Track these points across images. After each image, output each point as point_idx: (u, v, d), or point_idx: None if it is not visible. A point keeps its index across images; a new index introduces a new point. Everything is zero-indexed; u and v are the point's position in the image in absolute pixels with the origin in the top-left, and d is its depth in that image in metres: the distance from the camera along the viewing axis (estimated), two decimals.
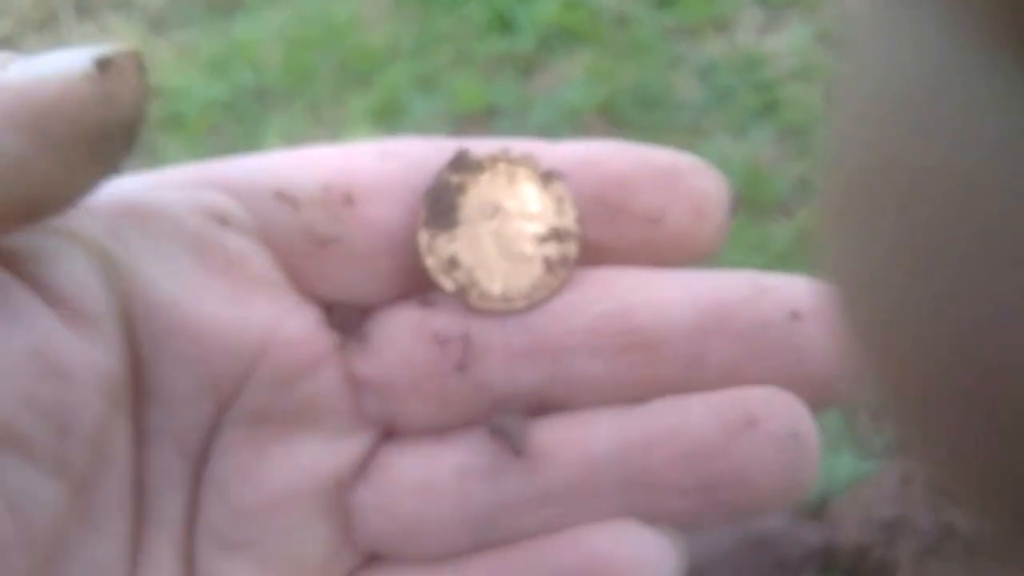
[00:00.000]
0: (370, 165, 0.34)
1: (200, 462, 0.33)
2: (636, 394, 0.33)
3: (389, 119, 1.65)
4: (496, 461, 0.33)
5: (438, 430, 0.34)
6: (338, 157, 0.34)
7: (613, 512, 0.32)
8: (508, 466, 0.33)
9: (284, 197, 0.33)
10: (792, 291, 0.32)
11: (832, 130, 0.16)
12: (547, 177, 0.34)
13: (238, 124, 1.68)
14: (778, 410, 0.31)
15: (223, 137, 1.66)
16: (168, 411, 0.32)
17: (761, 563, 1.23)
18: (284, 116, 1.68)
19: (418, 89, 1.69)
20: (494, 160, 0.34)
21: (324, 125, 1.67)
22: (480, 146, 0.34)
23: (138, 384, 0.32)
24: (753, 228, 1.51)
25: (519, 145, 0.34)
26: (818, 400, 0.32)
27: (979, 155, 0.13)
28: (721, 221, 0.34)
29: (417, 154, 0.34)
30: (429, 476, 0.34)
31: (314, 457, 0.33)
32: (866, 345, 0.16)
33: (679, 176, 0.33)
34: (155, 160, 1.62)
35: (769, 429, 0.31)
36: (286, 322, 0.33)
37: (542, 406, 0.33)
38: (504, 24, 1.78)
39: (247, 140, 1.64)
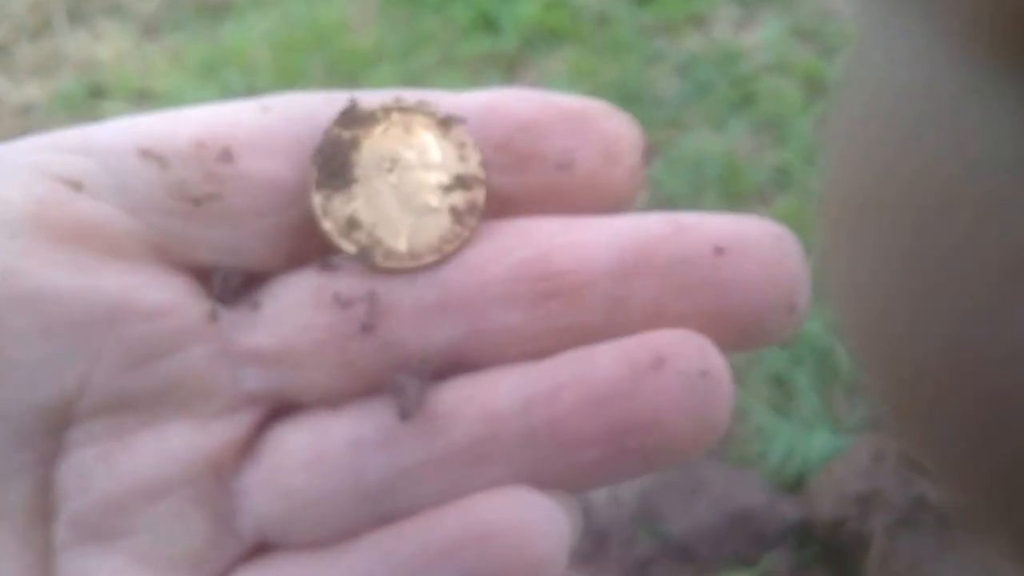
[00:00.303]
0: (250, 119, 0.31)
1: (52, 449, 0.30)
2: (557, 345, 0.31)
3: None
4: (391, 428, 0.31)
5: (334, 401, 0.32)
6: (214, 113, 0.31)
7: (516, 473, 0.30)
8: (404, 432, 0.31)
9: (150, 155, 0.30)
10: (715, 226, 0.30)
11: (831, 140, 0.17)
12: (446, 123, 0.32)
13: None
14: (687, 349, 0.29)
15: None
16: (3, 394, 0.29)
17: (740, 537, 1.24)
18: None
19: (405, 90, 1.69)
20: (387, 111, 0.32)
21: None
22: (371, 97, 0.32)
23: None
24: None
25: (413, 94, 0.32)
26: (747, 336, 0.31)
27: (971, 165, 0.14)
28: (634, 165, 0.32)
29: (302, 106, 0.32)
30: (320, 449, 0.31)
31: (186, 441, 0.31)
32: (860, 338, 0.16)
33: (588, 119, 0.31)
34: None
35: (677, 368, 0.29)
36: (144, 292, 0.30)
37: (457, 365, 0.31)
38: (488, 24, 1.79)
39: None
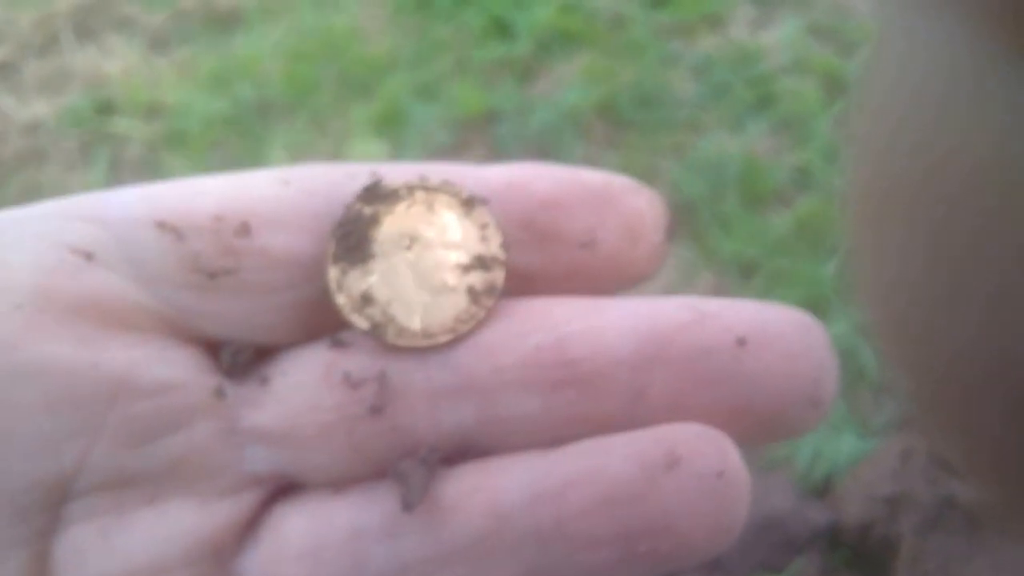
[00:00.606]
0: (269, 192, 0.31)
1: (50, 523, 0.29)
2: (572, 434, 0.30)
3: (391, 128, 1.65)
4: (394, 517, 0.30)
5: (337, 485, 0.31)
6: (233, 185, 0.31)
7: (522, 572, 0.29)
8: (407, 524, 0.30)
9: (166, 227, 0.30)
10: (736, 315, 0.30)
11: (852, 137, 0.16)
12: (469, 203, 0.32)
13: (241, 139, 1.68)
14: (703, 448, 0.29)
15: (226, 152, 1.66)
16: (2, 466, 0.29)
17: (769, 543, 1.23)
18: (287, 129, 1.68)
19: (419, 97, 1.69)
20: (410, 189, 0.32)
21: (327, 136, 1.67)
22: (395, 173, 0.32)
23: None
24: (750, 218, 1.51)
25: (438, 171, 0.32)
26: (768, 431, 0.30)
27: (993, 156, 0.13)
28: (657, 243, 0.31)
29: (323, 180, 0.32)
30: (320, 537, 0.30)
31: (187, 522, 0.30)
32: (888, 334, 0.16)
33: (610, 196, 0.31)
34: (159, 177, 1.63)
35: (693, 469, 0.28)
36: (149, 367, 0.29)
37: (467, 450, 0.31)
38: (501, 30, 1.79)
39: (250, 154, 1.64)
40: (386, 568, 0.29)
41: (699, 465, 0.28)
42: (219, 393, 0.30)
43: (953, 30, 0.14)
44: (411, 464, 0.29)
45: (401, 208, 0.32)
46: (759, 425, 0.29)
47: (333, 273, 0.31)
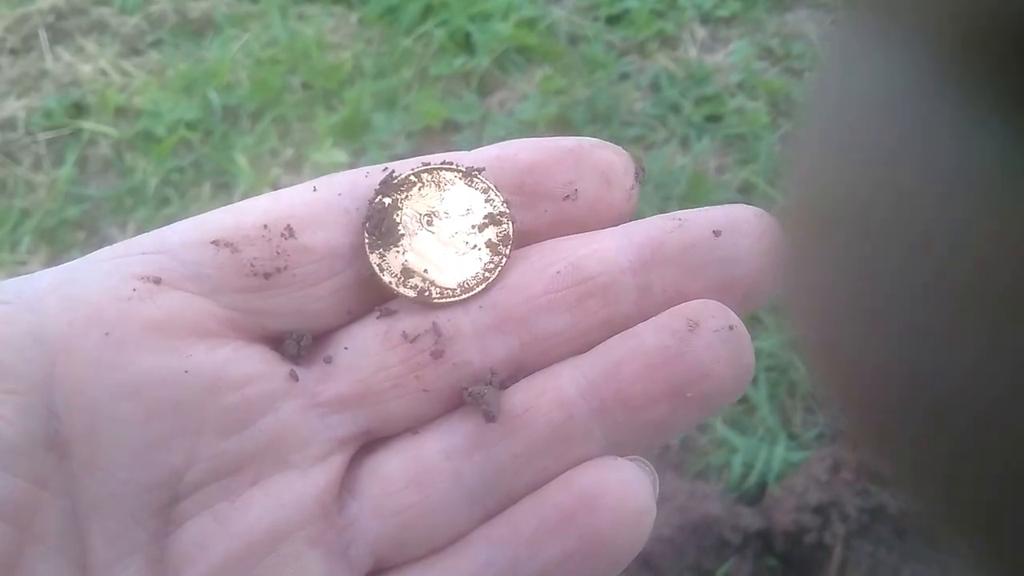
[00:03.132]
0: (303, 198, 0.35)
1: (163, 525, 0.32)
2: (599, 338, 0.35)
3: (354, 136, 1.67)
4: (479, 433, 0.35)
5: (418, 426, 0.35)
6: (271, 199, 0.35)
7: (596, 448, 0.34)
8: (491, 434, 0.35)
9: (221, 243, 0.34)
10: (708, 215, 0.36)
11: (795, 157, 0.17)
12: (468, 174, 0.37)
13: (207, 143, 1.69)
14: (712, 311, 0.34)
15: (192, 154, 1.68)
16: (113, 478, 0.32)
17: (701, 546, 1.25)
18: (252, 134, 1.69)
19: (381, 107, 1.71)
20: (418, 174, 0.37)
21: (290, 143, 1.69)
22: (403, 165, 0.37)
23: (70, 457, 0.32)
24: None
25: (436, 157, 0.37)
26: (750, 299, 0.36)
27: (931, 186, 0.14)
28: (629, 186, 0.37)
29: (346, 181, 0.36)
30: (420, 465, 0.35)
31: (292, 490, 0.34)
32: (818, 350, 0.17)
33: (583, 153, 0.36)
34: (125, 176, 1.65)
35: (710, 327, 0.34)
36: (231, 365, 0.33)
37: (517, 373, 0.36)
38: (462, 43, 1.81)
39: (215, 158, 1.66)
40: (482, 475, 0.34)
41: (714, 323, 0.34)
42: (293, 376, 0.34)
43: (901, 57, 0.15)
44: (482, 386, 0.35)
45: (415, 192, 0.37)
46: (743, 296, 0.35)
47: (374, 259, 0.36)
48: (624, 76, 1.78)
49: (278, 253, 0.34)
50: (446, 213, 0.37)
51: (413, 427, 0.35)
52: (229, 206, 0.35)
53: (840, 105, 0.16)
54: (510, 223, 0.36)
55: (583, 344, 0.35)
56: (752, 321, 1.44)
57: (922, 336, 0.15)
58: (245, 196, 1.55)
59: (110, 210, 1.62)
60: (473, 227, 0.37)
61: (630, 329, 0.35)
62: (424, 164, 0.37)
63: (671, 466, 1.35)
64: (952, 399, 0.14)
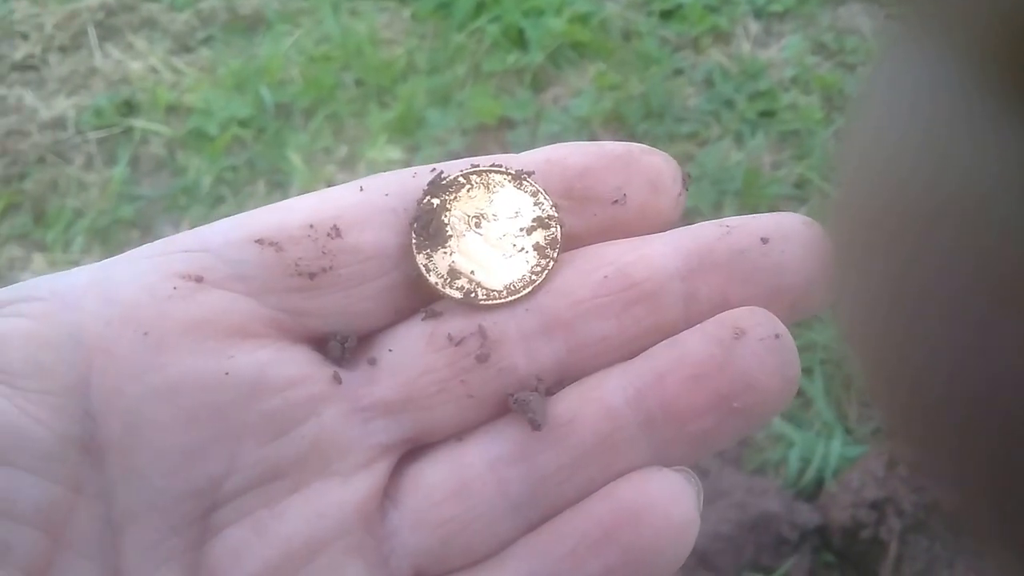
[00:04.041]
0: (350, 199, 0.35)
1: (200, 534, 0.32)
2: (646, 344, 0.35)
3: (408, 132, 1.68)
4: (524, 441, 0.34)
5: (462, 433, 0.35)
6: (316, 199, 0.35)
7: (641, 458, 0.34)
8: (537, 442, 0.34)
9: (265, 242, 0.33)
10: (756, 223, 0.35)
11: (845, 156, 0.17)
12: (518, 177, 0.36)
13: (259, 140, 1.70)
14: (758, 319, 0.34)
15: (244, 153, 1.68)
16: (150, 485, 0.31)
17: (759, 544, 1.25)
18: (305, 131, 1.70)
19: (434, 103, 1.71)
20: (467, 176, 0.37)
21: (344, 140, 1.69)
22: (452, 166, 0.37)
23: (106, 461, 0.31)
24: None
25: (485, 159, 0.37)
26: (797, 308, 0.35)
27: (978, 190, 0.14)
28: (676, 193, 0.37)
29: (394, 182, 0.36)
30: (463, 475, 0.34)
31: (332, 499, 0.33)
32: (862, 348, 0.17)
33: (632, 159, 0.36)
34: (179, 175, 1.66)
35: (756, 336, 0.33)
36: (273, 367, 0.33)
37: (563, 378, 0.35)
38: (515, 40, 1.81)
39: (267, 156, 1.67)
40: (527, 485, 0.34)
41: (760, 332, 0.34)
42: (337, 379, 0.34)
43: (951, 62, 0.15)
44: (527, 393, 0.34)
45: (463, 193, 0.37)
46: (790, 304, 0.35)
47: (420, 259, 0.35)
48: (678, 72, 1.78)
49: (324, 253, 0.34)
50: (494, 215, 0.37)
51: (457, 433, 0.35)
52: (273, 205, 0.35)
53: (889, 106, 0.16)
54: (558, 227, 0.36)
55: (629, 351, 0.35)
56: None
57: (965, 333, 0.15)
58: (300, 194, 1.55)
59: (164, 209, 1.63)
60: (521, 230, 0.36)
61: (676, 336, 0.35)
62: (473, 166, 0.37)
63: (729, 461, 1.35)
64: (994, 398, 0.14)
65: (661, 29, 1.84)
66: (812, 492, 1.32)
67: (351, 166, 1.66)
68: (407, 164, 1.62)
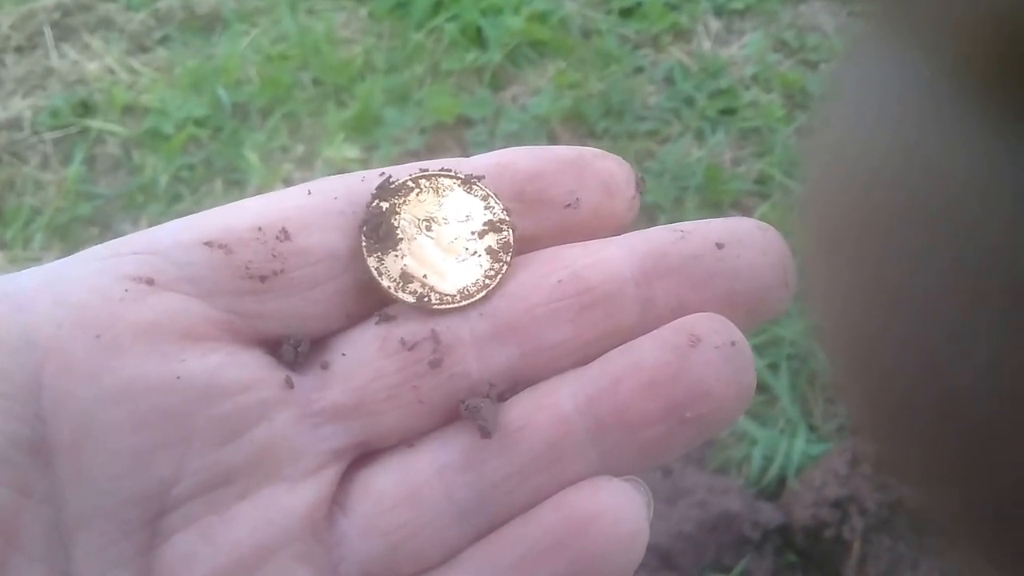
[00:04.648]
0: (299, 201, 0.35)
1: (150, 538, 0.31)
2: (601, 349, 0.34)
3: (365, 132, 1.67)
4: (473, 449, 0.34)
5: (413, 439, 0.34)
6: (266, 201, 0.35)
7: (592, 466, 0.33)
8: (486, 450, 0.34)
9: (215, 244, 0.33)
10: (711, 227, 0.35)
11: (813, 152, 0.18)
12: (467, 181, 0.36)
13: (216, 140, 1.69)
14: (714, 326, 0.33)
15: (201, 152, 1.68)
16: (99, 488, 0.31)
17: (722, 543, 1.24)
18: (262, 131, 1.69)
19: (392, 102, 1.71)
20: (416, 179, 0.36)
21: (301, 139, 1.68)
22: (400, 170, 0.36)
23: (56, 465, 0.31)
24: None
25: (435, 163, 0.37)
26: (754, 313, 0.35)
27: (947, 186, 0.14)
28: (631, 195, 0.36)
29: (342, 185, 0.36)
30: (413, 482, 0.34)
31: (281, 505, 0.33)
32: (834, 342, 0.17)
33: (584, 163, 0.36)
34: (135, 174, 1.64)
35: (712, 343, 0.33)
36: (225, 371, 0.33)
37: (516, 384, 0.35)
38: (474, 39, 1.80)
39: (224, 155, 1.66)
40: (475, 493, 0.34)
41: (716, 339, 0.33)
42: (288, 384, 0.33)
43: (920, 60, 0.15)
44: (478, 400, 0.34)
45: (412, 197, 0.36)
46: (747, 309, 0.35)
47: (372, 262, 0.35)
48: (638, 69, 1.78)
49: (274, 255, 0.33)
50: (445, 219, 0.36)
51: (409, 439, 0.35)
52: (222, 207, 0.35)
53: (857, 104, 0.16)
54: (510, 230, 0.36)
55: (584, 356, 0.34)
56: None
57: (934, 330, 0.15)
58: (257, 192, 1.60)
59: (121, 207, 1.62)
60: (473, 234, 0.36)
61: (631, 343, 0.34)
62: (422, 170, 0.37)
63: (692, 460, 1.35)
64: (962, 396, 0.15)
65: (621, 27, 1.84)
66: (775, 491, 1.32)
67: (308, 164, 1.65)
68: (365, 163, 1.63)
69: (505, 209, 0.36)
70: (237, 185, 1.64)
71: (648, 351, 0.34)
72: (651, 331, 0.34)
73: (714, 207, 1.57)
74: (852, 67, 0.17)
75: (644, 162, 1.62)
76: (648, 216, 1.54)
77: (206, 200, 1.60)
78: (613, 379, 0.33)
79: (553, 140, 1.65)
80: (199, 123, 1.71)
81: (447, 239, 0.36)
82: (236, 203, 0.35)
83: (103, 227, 1.59)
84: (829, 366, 0.17)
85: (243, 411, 0.32)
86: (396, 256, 0.35)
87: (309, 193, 0.35)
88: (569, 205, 0.36)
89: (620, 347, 0.34)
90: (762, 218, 1.53)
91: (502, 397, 0.34)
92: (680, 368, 0.33)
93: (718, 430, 0.34)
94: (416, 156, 1.63)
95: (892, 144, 0.15)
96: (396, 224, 0.36)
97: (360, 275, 0.35)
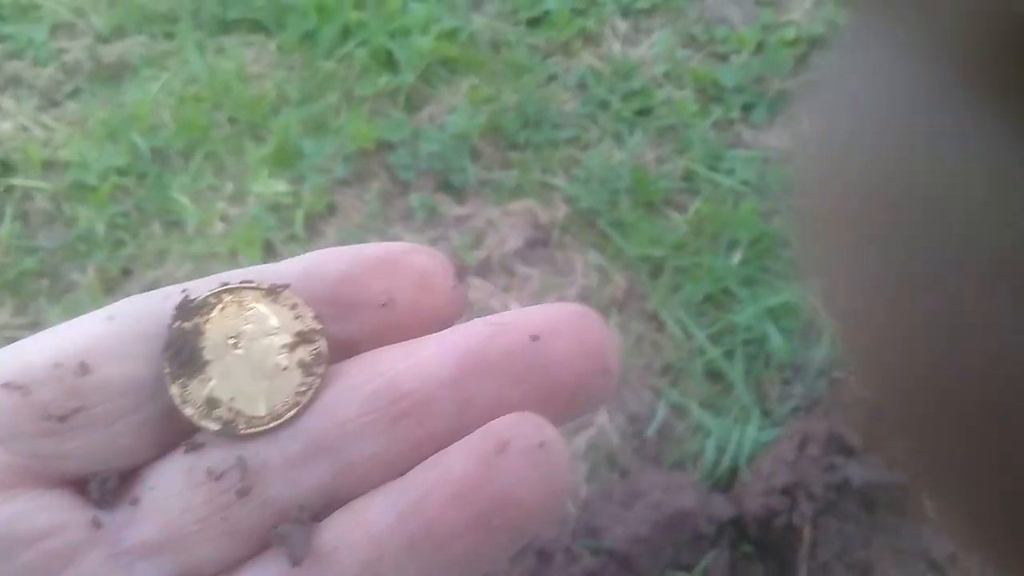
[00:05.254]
0: (98, 330, 0.33)
1: None
2: (417, 458, 0.33)
3: (288, 164, 1.66)
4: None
5: (231, 568, 0.33)
6: (64, 332, 0.33)
7: None
8: None
9: (11, 387, 0.32)
10: (526, 319, 0.34)
11: (806, 150, 0.18)
12: (272, 291, 0.35)
13: (142, 185, 1.67)
14: (523, 428, 0.32)
15: (130, 199, 1.66)
16: None
17: (677, 541, 1.25)
18: (186, 173, 1.68)
19: (310, 133, 1.70)
20: (217, 295, 0.35)
21: (227, 176, 1.67)
22: (200, 285, 0.35)
23: None
24: (649, 222, 1.55)
25: (237, 274, 0.35)
26: (574, 404, 0.34)
27: (952, 179, 0.14)
28: (450, 287, 0.35)
29: (144, 307, 0.34)
30: None
31: None
32: (847, 337, 0.17)
33: (393, 260, 0.35)
34: (71, 225, 1.63)
35: (519, 447, 0.32)
36: (26, 518, 0.31)
37: (332, 502, 0.33)
38: (384, 62, 1.80)
39: (154, 199, 1.64)
40: None
41: (523, 442, 0.32)
42: (96, 524, 0.32)
43: (910, 52, 0.15)
44: (288, 526, 0.32)
45: (216, 314, 0.34)
46: (566, 402, 0.34)
47: (175, 390, 0.33)
48: (551, 78, 1.78)
49: (73, 393, 0.32)
50: (252, 335, 0.35)
51: (228, 569, 0.33)
52: (18, 343, 0.33)
53: (854, 94, 0.16)
54: (323, 340, 0.35)
55: (400, 468, 0.33)
56: (725, 294, 1.46)
57: (940, 314, 0.15)
58: (198, 231, 1.62)
59: (66, 257, 1.60)
60: (283, 347, 0.35)
61: (441, 452, 0.33)
62: (223, 284, 0.35)
63: (649, 459, 1.35)
64: (971, 382, 0.15)
65: (530, 37, 1.85)
66: (728, 482, 1.33)
67: (240, 200, 1.64)
68: (295, 195, 1.62)
69: (316, 317, 0.35)
70: (176, 225, 1.63)
71: (455, 460, 0.33)
72: (466, 435, 0.33)
73: (647, 207, 1.58)
74: (845, 56, 0.17)
75: (571, 170, 1.63)
76: (588, 220, 1.55)
77: (148, 243, 1.59)
78: (421, 492, 0.32)
79: (475, 156, 1.65)
80: (121, 172, 1.69)
81: (256, 356, 0.35)
82: (36, 336, 0.33)
83: (53, 278, 1.59)
84: (842, 349, 0.17)
85: (48, 558, 0.31)
86: (202, 380, 0.34)
87: (110, 318, 0.33)
88: (384, 305, 0.35)
89: (431, 458, 0.33)
90: (696, 214, 1.54)
91: (317, 517, 0.33)
92: (485, 477, 0.32)
93: (532, 533, 0.33)
94: (343, 184, 1.64)
95: (887, 131, 0.15)
96: (201, 345, 0.34)
97: (166, 403, 0.33)
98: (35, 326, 1.52)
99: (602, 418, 1.39)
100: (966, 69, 0.14)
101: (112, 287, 1.55)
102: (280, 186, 1.64)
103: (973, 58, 0.14)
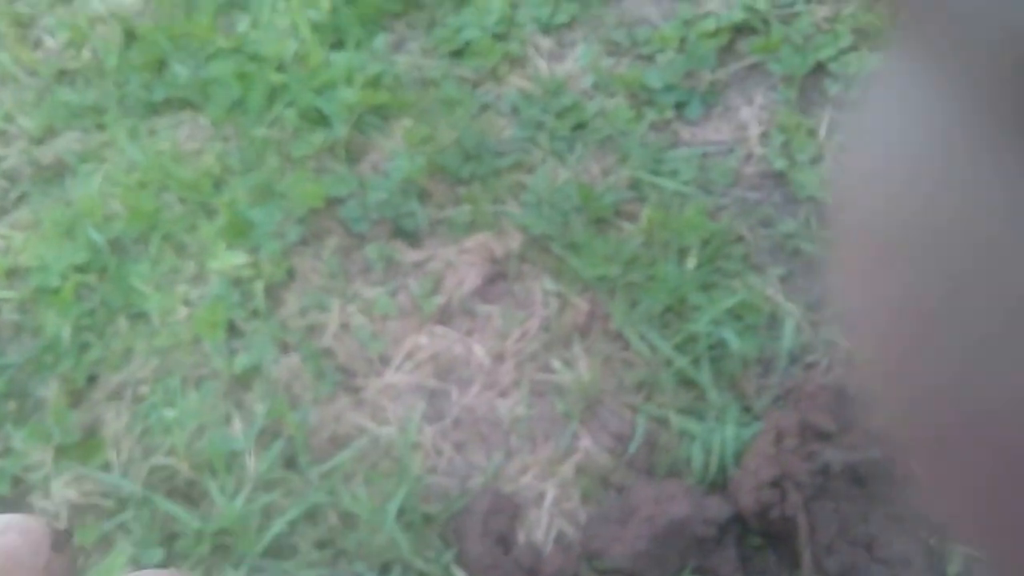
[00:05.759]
0: None
1: None
2: None
3: (243, 235, 1.66)
4: None
5: None
6: None
7: None
8: None
9: None
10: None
11: (844, 182, 0.18)
12: None
13: (104, 280, 1.67)
14: None
15: (95, 295, 1.66)
16: None
17: (679, 548, 1.26)
18: (146, 260, 1.68)
19: (258, 201, 1.70)
20: None
21: (187, 256, 1.67)
22: None
23: None
24: (602, 239, 1.56)
25: None
26: None
27: (983, 219, 0.15)
28: (48, 558, 0.34)
29: None
30: None
31: None
32: (871, 365, 0.18)
33: None
34: (38, 335, 1.63)
35: None
36: None
37: None
38: (316, 119, 1.80)
39: (117, 292, 1.64)
40: None
41: None
42: None
43: (942, 88, 0.15)
44: None
45: None
46: None
47: None
48: (484, 107, 1.78)
49: None
50: None
51: None
52: None
53: (887, 129, 0.17)
54: None
55: None
56: (683, 304, 1.47)
57: (973, 359, 0.15)
58: (162, 320, 1.61)
59: (32, 371, 1.60)
60: None
61: None
62: None
63: (641, 471, 1.36)
64: (1000, 423, 0.15)
65: (456, 69, 1.84)
66: (723, 482, 1.34)
67: (202, 280, 1.65)
68: (254, 265, 1.62)
69: None
70: (140, 318, 1.63)
71: None
72: None
73: (598, 223, 1.58)
74: (880, 93, 0.17)
75: (520, 196, 1.63)
76: (542, 246, 1.56)
77: (114, 342, 1.59)
78: None
79: (424, 198, 1.65)
80: (81, 269, 1.69)
81: None
82: None
83: (20, 399, 1.58)
84: (865, 389, 0.18)
85: None
86: None
87: None
88: None
89: None
90: (648, 220, 1.54)
91: None
92: None
93: None
94: (302, 245, 1.64)
95: (921, 169, 0.16)
96: None
97: None
98: (3, 454, 1.54)
99: (585, 442, 1.40)
100: (1000, 109, 0.14)
101: (78, 399, 1.55)
102: (239, 258, 1.64)
103: (1007, 98, 0.14)
